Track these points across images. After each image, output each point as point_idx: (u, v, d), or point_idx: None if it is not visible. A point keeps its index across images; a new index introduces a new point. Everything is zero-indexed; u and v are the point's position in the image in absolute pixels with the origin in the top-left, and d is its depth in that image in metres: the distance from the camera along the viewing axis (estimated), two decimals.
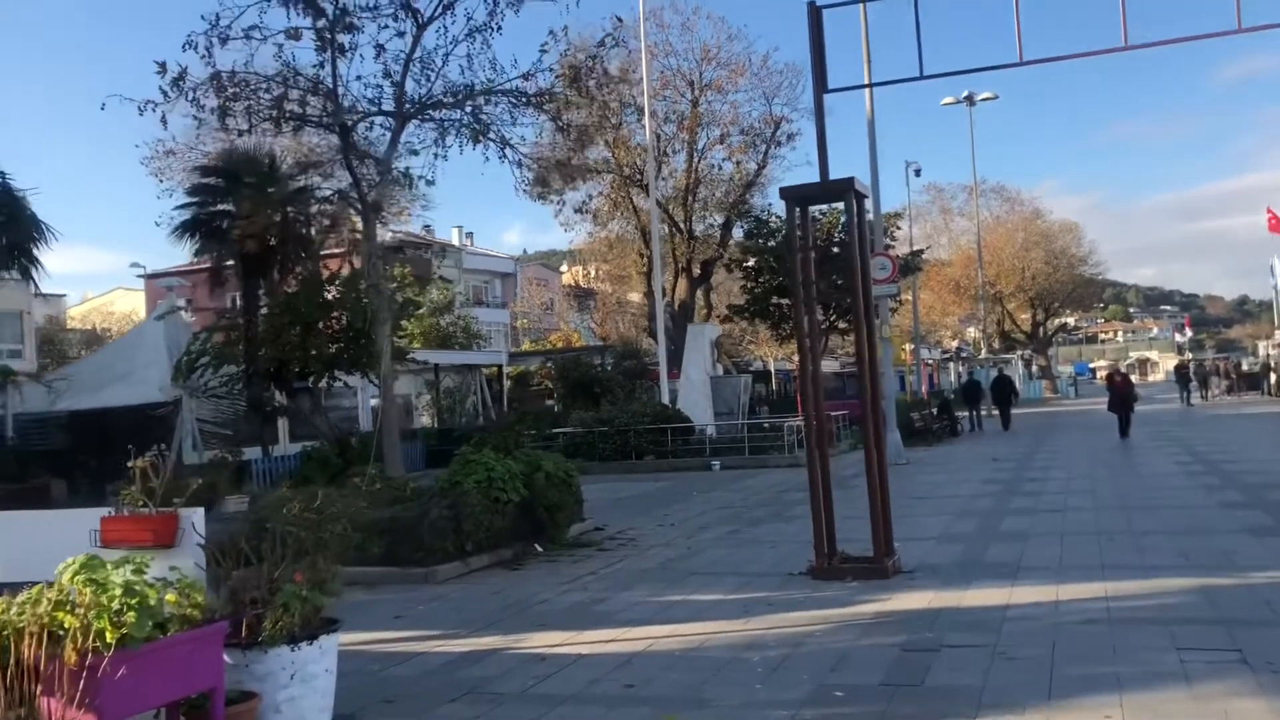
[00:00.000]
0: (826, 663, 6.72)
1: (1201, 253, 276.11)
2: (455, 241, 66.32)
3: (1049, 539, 11.22)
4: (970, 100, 49.77)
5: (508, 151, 13.76)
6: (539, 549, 12.27)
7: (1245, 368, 57.74)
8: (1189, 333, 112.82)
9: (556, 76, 14.07)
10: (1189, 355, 79.25)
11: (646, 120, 30.46)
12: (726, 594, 9.32)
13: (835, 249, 30.72)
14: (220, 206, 22.27)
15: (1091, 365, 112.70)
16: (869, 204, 24.90)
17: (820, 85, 10.21)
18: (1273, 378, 47.57)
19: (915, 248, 42.39)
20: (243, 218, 19.16)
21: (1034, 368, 70.95)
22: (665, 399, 27.88)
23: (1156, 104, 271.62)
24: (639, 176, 34.36)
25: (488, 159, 13.66)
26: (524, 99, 13.69)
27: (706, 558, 11.50)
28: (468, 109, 13.51)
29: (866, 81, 18.37)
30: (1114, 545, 10.51)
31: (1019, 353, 67.90)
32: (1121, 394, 26.76)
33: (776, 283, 30.68)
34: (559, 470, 12.94)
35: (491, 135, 13.51)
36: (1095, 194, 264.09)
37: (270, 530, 5.90)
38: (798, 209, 10.30)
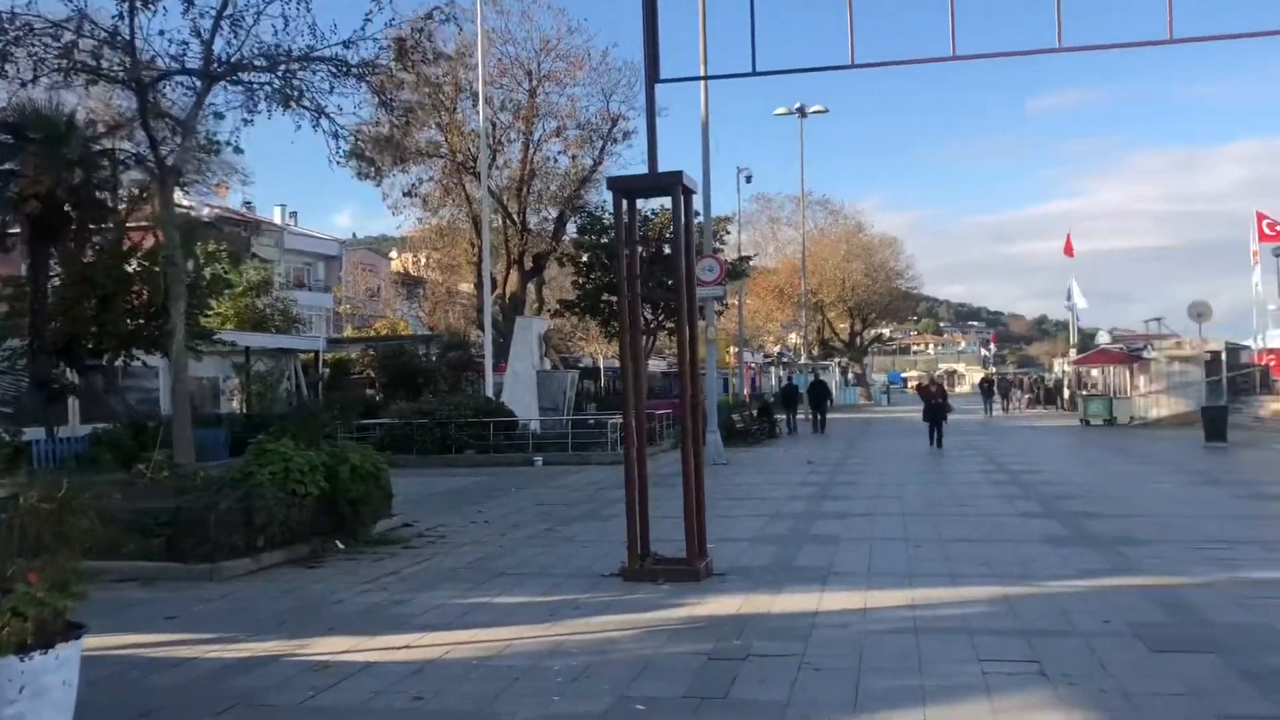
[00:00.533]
0: (630, 672, 6.41)
1: (1008, 273, 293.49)
2: (277, 220, 63.54)
3: (859, 544, 11.28)
4: (802, 112, 50.98)
5: (323, 121, 12.92)
6: (340, 546, 11.57)
7: (1046, 382, 61.22)
8: (994, 348, 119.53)
9: (381, 48, 13.33)
10: (993, 369, 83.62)
11: (480, 106, 29.73)
12: (533, 596, 8.93)
13: (666, 250, 30.74)
14: (6, 165, 20.39)
15: (904, 375, 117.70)
16: (700, 204, 24.85)
17: (652, 74, 9.94)
18: (1066, 393, 50.56)
19: (743, 253, 43.03)
20: (26, 176, 17.55)
21: (850, 375, 73.45)
22: (489, 392, 27.27)
23: (976, 130, 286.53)
24: (472, 164, 33.56)
25: (299, 127, 12.80)
26: (344, 68, 12.90)
27: (517, 557, 11.08)
28: (280, 73, 12.60)
29: (702, 74, 18.27)
30: (921, 552, 10.64)
31: (837, 360, 70.16)
32: (935, 404, 27.15)
33: (607, 279, 30.46)
34: (366, 463, 12.24)
35: (305, 103, 12.66)
36: (915, 212, 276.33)
37: (3, 522, 5.16)
38: (624, 200, 10.02)
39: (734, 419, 29.38)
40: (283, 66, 12.57)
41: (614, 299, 30.83)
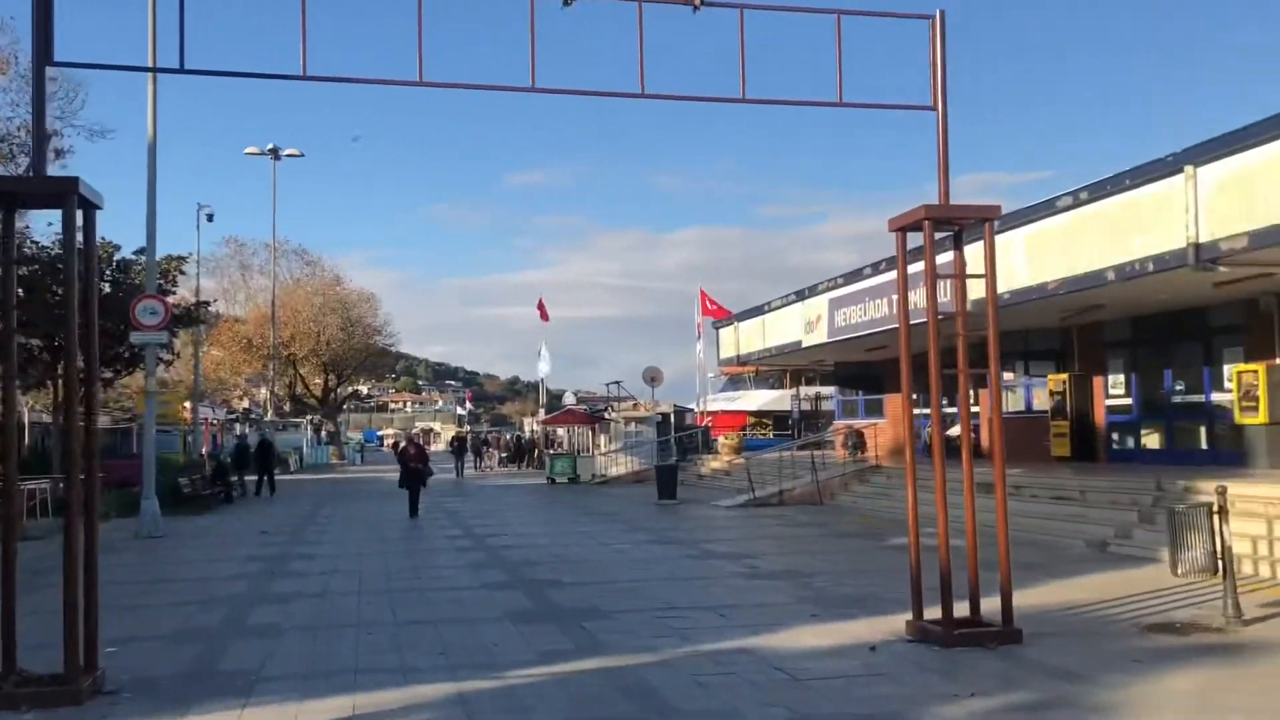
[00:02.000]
0: None
1: (484, 335, 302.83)
2: None
3: (303, 634, 9.69)
4: (275, 154, 48.41)
5: None
6: None
7: (519, 441, 62.99)
8: (470, 407, 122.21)
9: None
10: (467, 427, 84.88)
11: None
12: None
13: (106, 287, 26.98)
14: None
15: (380, 433, 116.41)
16: (145, 237, 21.55)
17: (43, 54, 7.80)
18: (536, 451, 52.30)
19: (205, 299, 39.34)
20: None
21: (324, 433, 70.61)
22: None
23: (459, 196, 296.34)
24: None
25: None
26: None
27: None
28: None
29: (150, 65, 15.73)
30: (373, 640, 9.29)
31: (309, 417, 67.04)
32: (413, 466, 24.35)
33: (24, 318, 25.81)
34: None
35: None
36: (397, 271, 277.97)
37: None
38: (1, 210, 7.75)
39: (181, 482, 26.08)
40: None
41: (33, 342, 26.26)
